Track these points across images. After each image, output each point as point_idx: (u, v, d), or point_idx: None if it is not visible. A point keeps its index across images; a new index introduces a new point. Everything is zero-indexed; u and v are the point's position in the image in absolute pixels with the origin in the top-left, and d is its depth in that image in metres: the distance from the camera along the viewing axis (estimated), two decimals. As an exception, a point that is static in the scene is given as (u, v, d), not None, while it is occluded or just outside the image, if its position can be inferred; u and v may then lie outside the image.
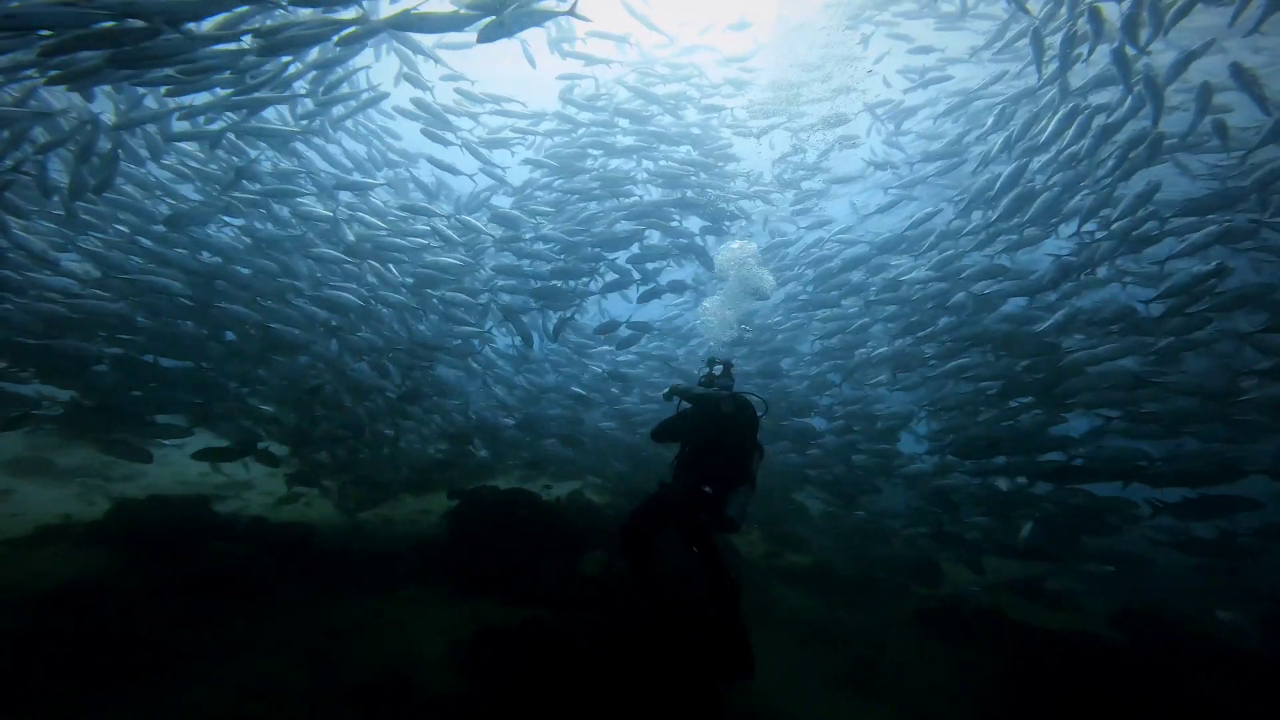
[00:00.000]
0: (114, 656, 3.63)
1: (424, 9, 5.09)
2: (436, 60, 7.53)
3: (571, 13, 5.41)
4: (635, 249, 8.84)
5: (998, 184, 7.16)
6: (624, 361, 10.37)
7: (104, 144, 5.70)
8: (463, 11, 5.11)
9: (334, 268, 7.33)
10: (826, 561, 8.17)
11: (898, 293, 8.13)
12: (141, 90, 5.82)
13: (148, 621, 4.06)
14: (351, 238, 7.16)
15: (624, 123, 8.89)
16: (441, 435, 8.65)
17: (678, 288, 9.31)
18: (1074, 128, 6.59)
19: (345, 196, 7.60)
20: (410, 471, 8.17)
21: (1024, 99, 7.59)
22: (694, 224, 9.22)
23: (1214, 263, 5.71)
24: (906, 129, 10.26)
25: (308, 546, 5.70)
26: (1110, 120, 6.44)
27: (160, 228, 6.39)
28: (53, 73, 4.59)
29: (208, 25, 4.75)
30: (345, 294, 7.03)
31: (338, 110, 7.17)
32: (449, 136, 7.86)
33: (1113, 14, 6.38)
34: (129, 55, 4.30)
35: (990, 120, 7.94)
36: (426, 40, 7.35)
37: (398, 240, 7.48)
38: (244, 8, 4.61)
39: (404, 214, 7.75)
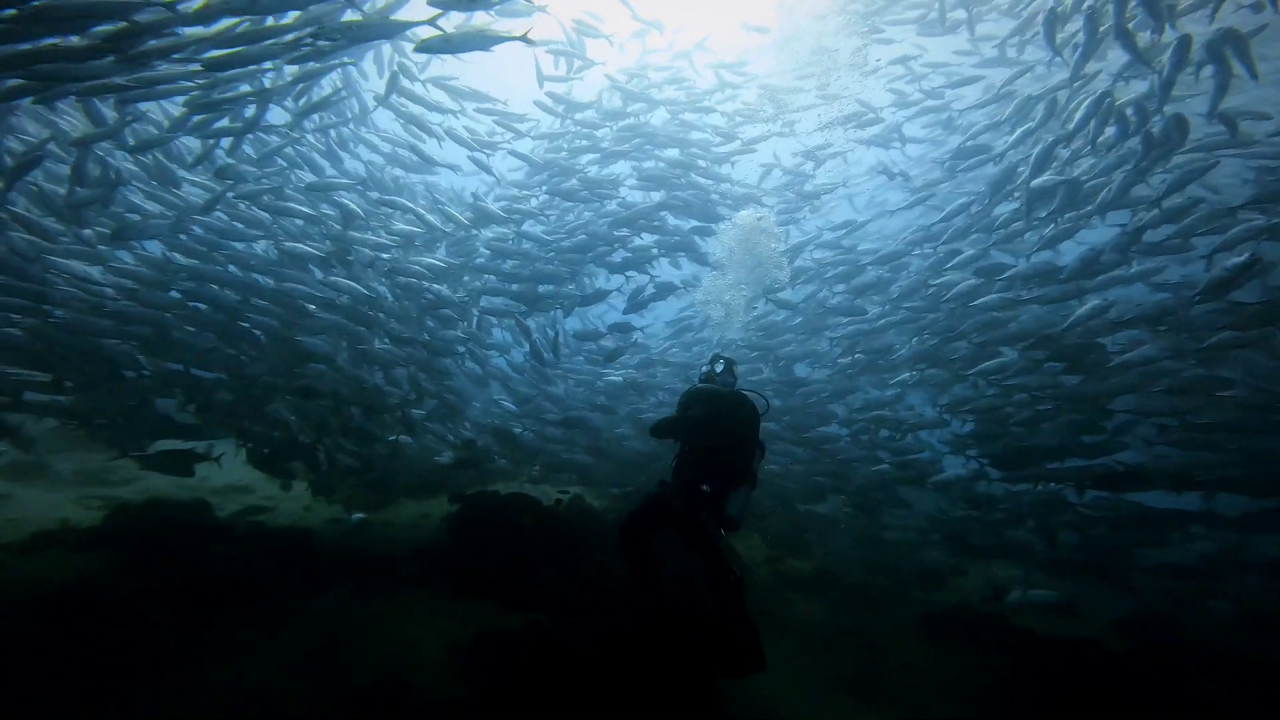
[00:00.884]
0: (111, 661, 3.61)
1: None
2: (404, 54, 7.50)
3: (524, 39, 5.43)
4: (625, 253, 8.85)
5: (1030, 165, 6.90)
6: (640, 369, 10.44)
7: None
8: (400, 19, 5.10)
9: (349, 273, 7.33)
10: (829, 567, 8.14)
11: (924, 293, 8.01)
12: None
13: (145, 626, 4.03)
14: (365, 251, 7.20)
15: (610, 125, 8.94)
16: (458, 443, 8.64)
17: (666, 289, 9.33)
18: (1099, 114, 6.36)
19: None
20: (417, 477, 8.13)
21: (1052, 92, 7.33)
22: (687, 227, 9.23)
23: (1247, 254, 5.41)
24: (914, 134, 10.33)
25: (306, 550, 5.66)
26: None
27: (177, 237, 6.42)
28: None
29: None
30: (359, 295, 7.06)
31: (321, 117, 7.16)
32: (434, 131, 7.83)
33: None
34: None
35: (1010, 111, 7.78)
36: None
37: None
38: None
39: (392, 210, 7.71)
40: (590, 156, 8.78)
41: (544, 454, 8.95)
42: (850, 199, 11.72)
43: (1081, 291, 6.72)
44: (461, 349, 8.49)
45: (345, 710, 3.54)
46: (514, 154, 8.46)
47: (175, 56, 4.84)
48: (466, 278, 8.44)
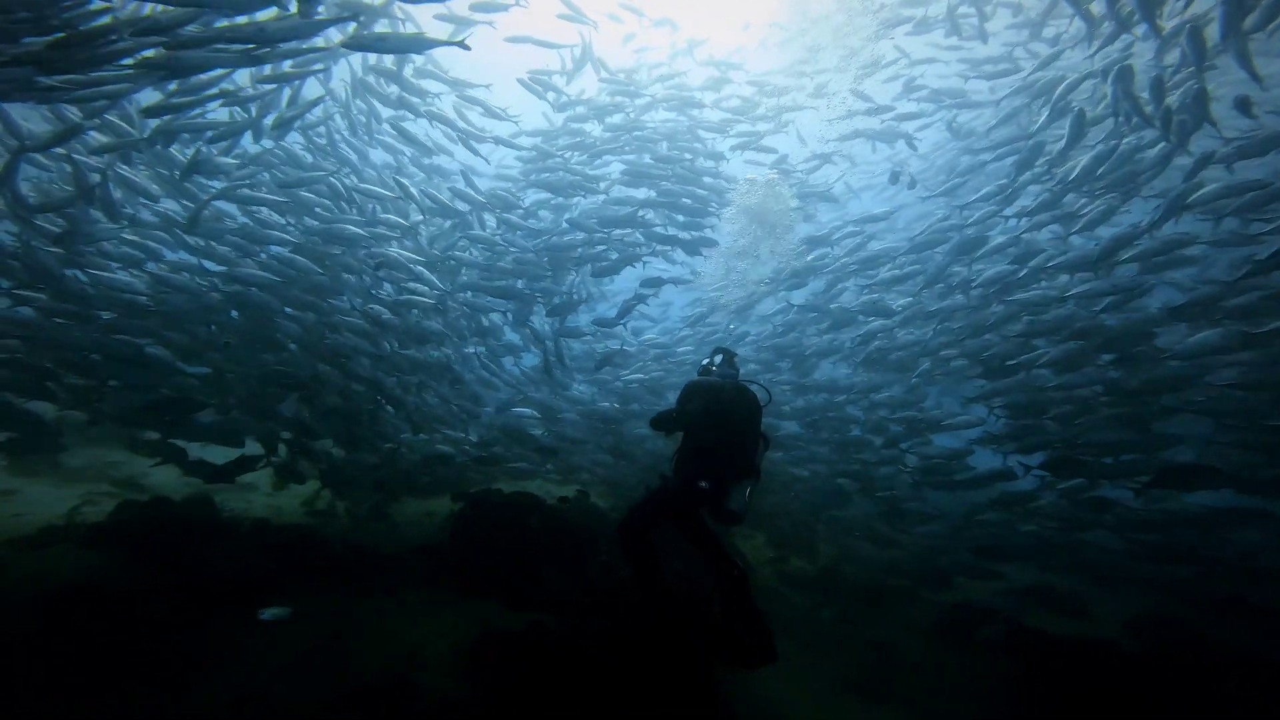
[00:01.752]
0: (115, 658, 3.60)
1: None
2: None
3: (461, 45, 5.41)
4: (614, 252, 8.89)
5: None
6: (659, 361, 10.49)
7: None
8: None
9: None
10: (834, 567, 8.07)
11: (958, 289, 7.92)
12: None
13: (149, 623, 4.02)
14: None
15: (600, 120, 8.99)
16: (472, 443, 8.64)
17: (653, 283, 9.35)
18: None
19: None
20: (428, 475, 8.12)
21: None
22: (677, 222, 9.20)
23: None
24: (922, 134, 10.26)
25: (310, 548, 5.65)
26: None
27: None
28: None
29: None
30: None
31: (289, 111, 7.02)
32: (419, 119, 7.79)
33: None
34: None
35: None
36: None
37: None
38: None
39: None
40: (580, 154, 8.79)
41: (563, 454, 8.94)
42: (855, 193, 11.68)
43: (1134, 289, 6.54)
44: (472, 350, 8.50)
45: (348, 710, 3.51)
46: (500, 141, 8.38)
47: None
48: (456, 265, 8.36)
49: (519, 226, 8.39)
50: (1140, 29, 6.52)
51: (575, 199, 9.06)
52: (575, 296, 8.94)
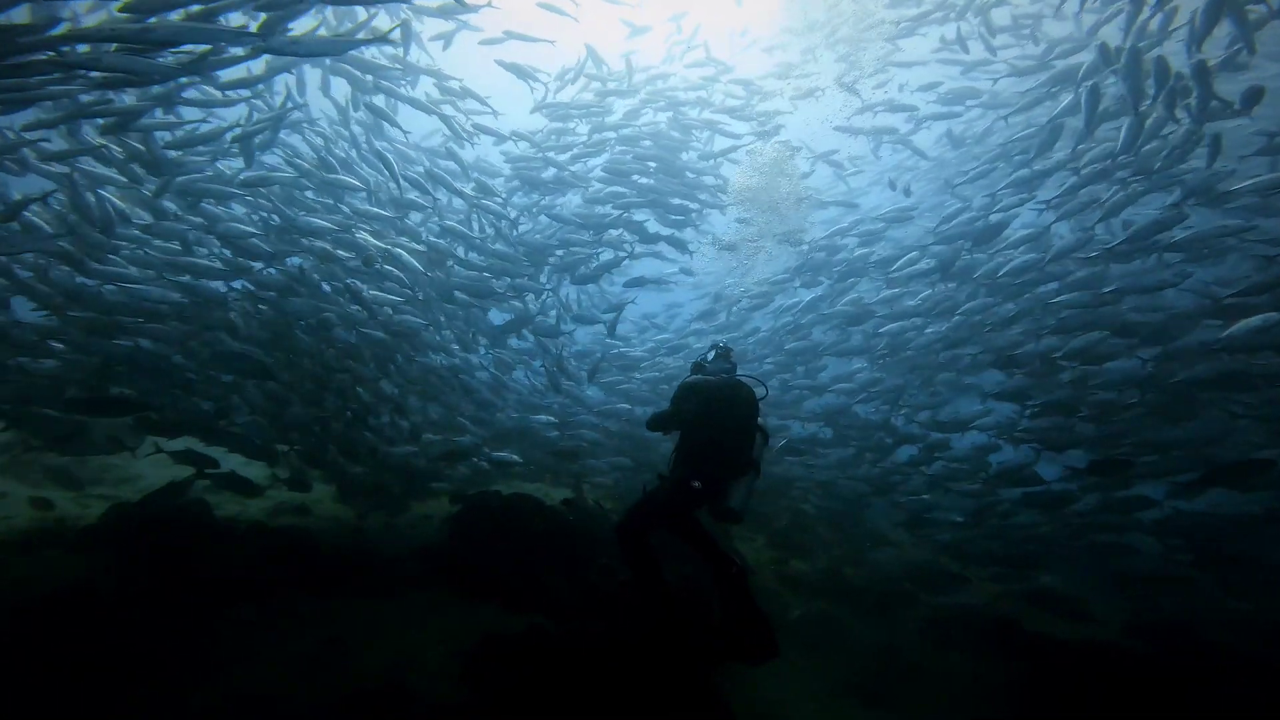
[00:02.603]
0: (107, 663, 3.54)
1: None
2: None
3: (387, 39, 5.32)
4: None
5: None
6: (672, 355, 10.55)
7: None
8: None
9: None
10: (835, 569, 8.04)
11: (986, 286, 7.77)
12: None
13: (142, 627, 3.96)
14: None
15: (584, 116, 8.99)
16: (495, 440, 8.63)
17: (637, 284, 9.43)
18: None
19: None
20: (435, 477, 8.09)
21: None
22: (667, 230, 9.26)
23: None
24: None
25: (307, 551, 5.58)
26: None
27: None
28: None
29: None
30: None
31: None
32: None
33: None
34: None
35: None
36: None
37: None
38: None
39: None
40: (565, 153, 8.79)
41: (581, 456, 8.92)
42: (854, 189, 11.72)
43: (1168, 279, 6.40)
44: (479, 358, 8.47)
45: (345, 714, 3.46)
46: (480, 128, 8.26)
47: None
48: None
49: (500, 215, 8.27)
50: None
51: (560, 199, 9.06)
52: (559, 313, 8.98)
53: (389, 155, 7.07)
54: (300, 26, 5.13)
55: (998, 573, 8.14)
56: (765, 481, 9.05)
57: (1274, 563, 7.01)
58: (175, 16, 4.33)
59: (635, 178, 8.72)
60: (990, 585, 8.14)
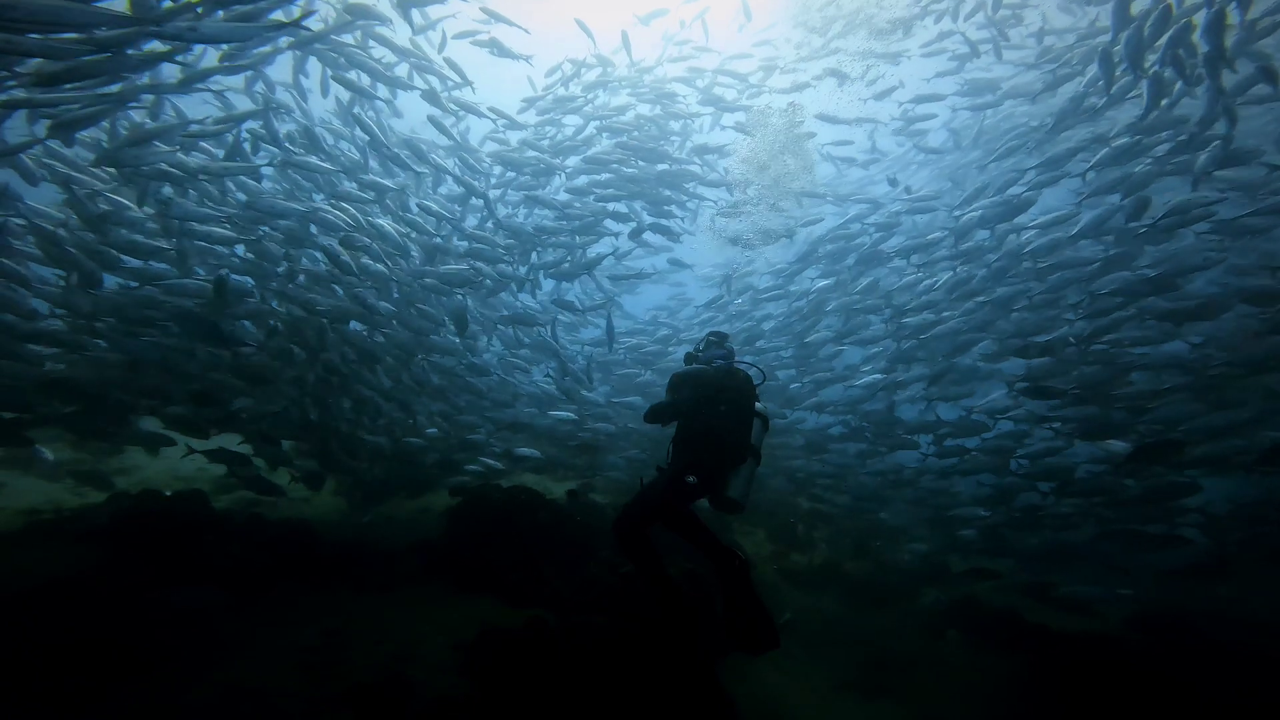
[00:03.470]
0: (104, 655, 3.50)
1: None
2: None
3: (296, 25, 5.03)
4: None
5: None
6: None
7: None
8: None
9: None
10: (835, 563, 8.03)
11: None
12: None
13: (139, 619, 3.93)
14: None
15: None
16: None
17: (624, 278, 9.44)
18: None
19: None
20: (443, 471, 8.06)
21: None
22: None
23: None
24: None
25: (306, 544, 5.55)
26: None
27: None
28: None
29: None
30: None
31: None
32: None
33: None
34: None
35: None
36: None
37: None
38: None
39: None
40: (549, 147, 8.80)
41: (599, 451, 8.90)
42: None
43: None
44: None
45: (344, 708, 3.43)
46: (460, 105, 8.16)
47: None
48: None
49: (479, 193, 8.15)
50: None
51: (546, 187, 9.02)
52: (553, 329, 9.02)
53: (369, 122, 6.97)
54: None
55: (1013, 566, 8.04)
56: (779, 478, 9.01)
57: None
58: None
59: (619, 167, 8.65)
60: (983, 581, 8.13)
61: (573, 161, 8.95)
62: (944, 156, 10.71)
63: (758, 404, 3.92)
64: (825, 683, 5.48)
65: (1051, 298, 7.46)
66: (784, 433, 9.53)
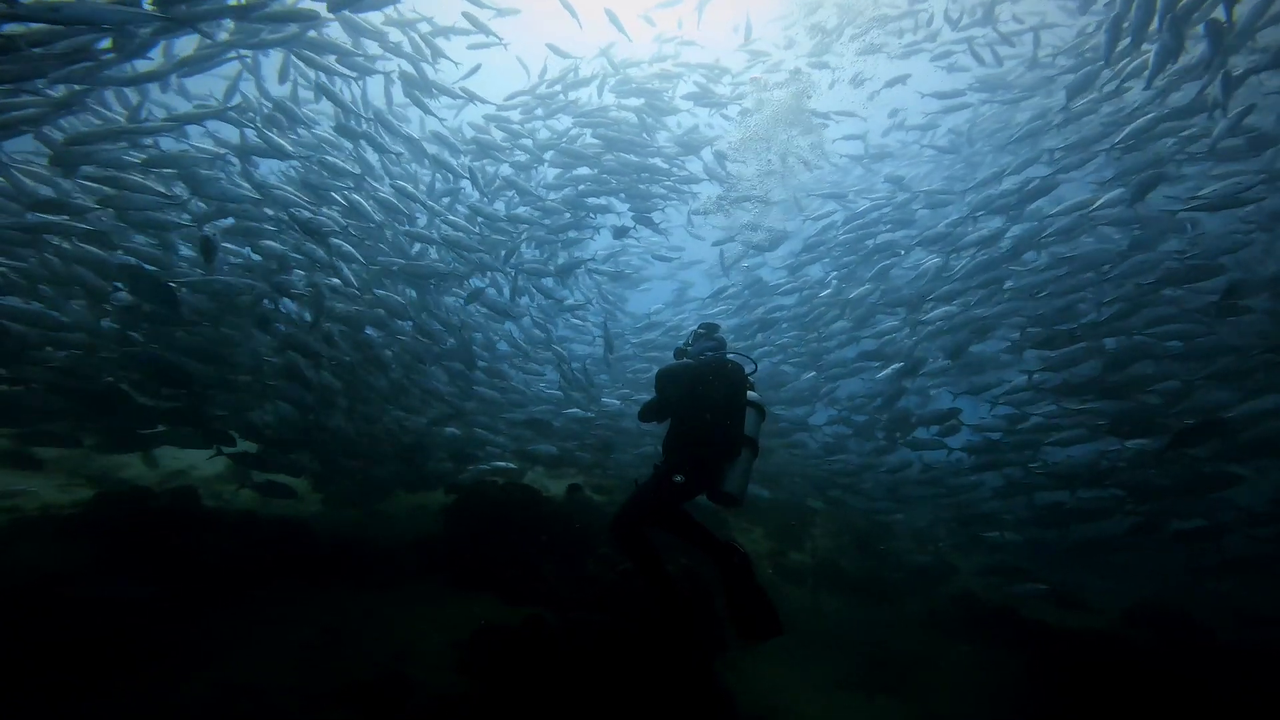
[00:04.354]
0: (94, 653, 3.42)
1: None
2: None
3: (162, 15, 4.79)
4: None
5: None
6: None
7: None
8: None
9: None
10: (833, 560, 8.01)
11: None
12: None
13: (130, 617, 3.84)
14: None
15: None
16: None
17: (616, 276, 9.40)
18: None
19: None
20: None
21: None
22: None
23: None
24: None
25: (301, 541, 5.47)
26: None
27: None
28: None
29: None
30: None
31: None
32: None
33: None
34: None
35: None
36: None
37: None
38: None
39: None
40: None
41: (613, 449, 8.86)
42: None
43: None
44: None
45: (341, 705, 3.37)
46: (444, 89, 8.04)
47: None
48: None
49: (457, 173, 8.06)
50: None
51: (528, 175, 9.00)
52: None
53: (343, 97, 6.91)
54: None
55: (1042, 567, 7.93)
56: (793, 478, 8.88)
57: None
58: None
59: (598, 157, 8.64)
60: (983, 578, 8.13)
61: (552, 155, 8.92)
62: (948, 155, 10.68)
63: (751, 394, 3.85)
64: (825, 679, 5.45)
65: (1075, 284, 7.32)
66: (796, 430, 9.39)
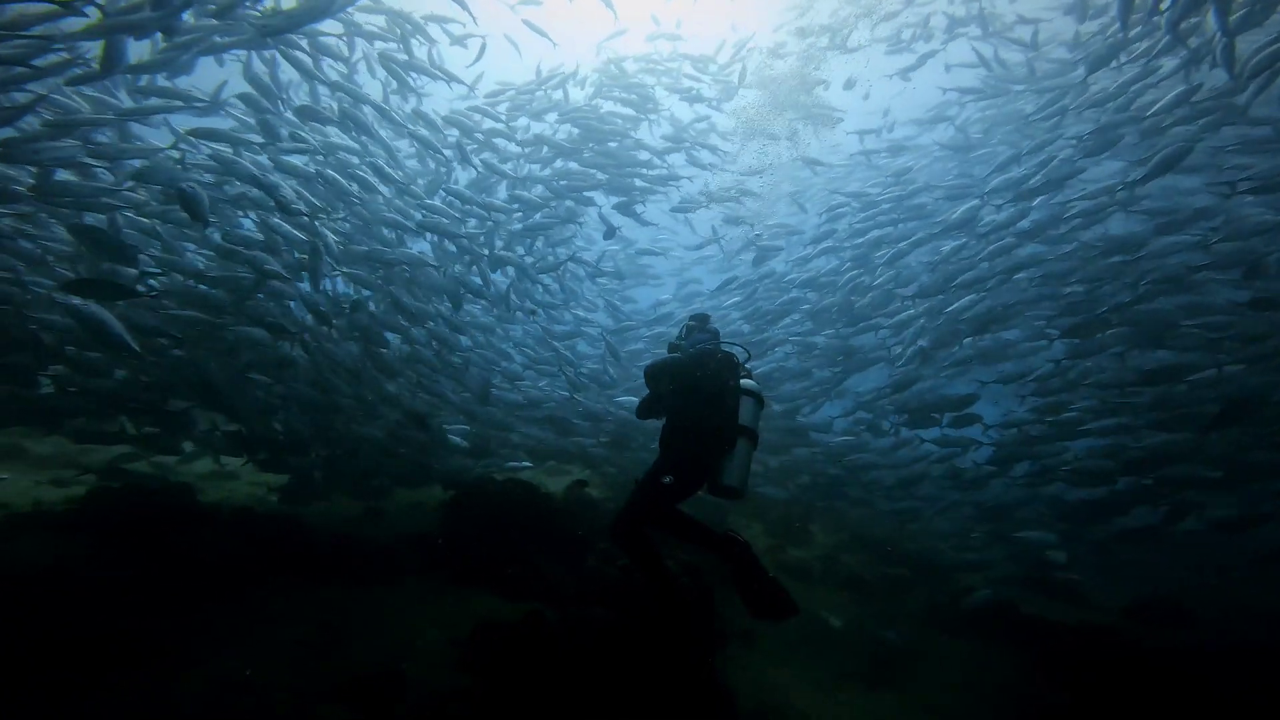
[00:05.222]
0: (89, 649, 3.37)
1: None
2: None
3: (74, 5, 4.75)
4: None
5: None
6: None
7: None
8: None
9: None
10: (834, 557, 7.99)
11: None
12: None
13: (125, 612, 3.80)
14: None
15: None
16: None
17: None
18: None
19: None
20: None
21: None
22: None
23: None
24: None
25: (297, 538, 5.42)
26: None
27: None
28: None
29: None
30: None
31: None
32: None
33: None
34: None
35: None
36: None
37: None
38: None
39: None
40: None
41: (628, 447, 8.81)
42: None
43: None
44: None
45: (339, 702, 3.33)
46: (423, 70, 7.91)
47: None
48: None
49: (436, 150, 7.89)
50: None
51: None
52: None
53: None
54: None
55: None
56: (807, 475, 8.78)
57: None
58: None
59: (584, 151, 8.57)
60: (982, 574, 8.13)
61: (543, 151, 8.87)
62: (962, 153, 10.59)
63: (747, 382, 3.78)
64: (826, 674, 5.43)
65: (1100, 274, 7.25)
66: (813, 429, 9.28)
